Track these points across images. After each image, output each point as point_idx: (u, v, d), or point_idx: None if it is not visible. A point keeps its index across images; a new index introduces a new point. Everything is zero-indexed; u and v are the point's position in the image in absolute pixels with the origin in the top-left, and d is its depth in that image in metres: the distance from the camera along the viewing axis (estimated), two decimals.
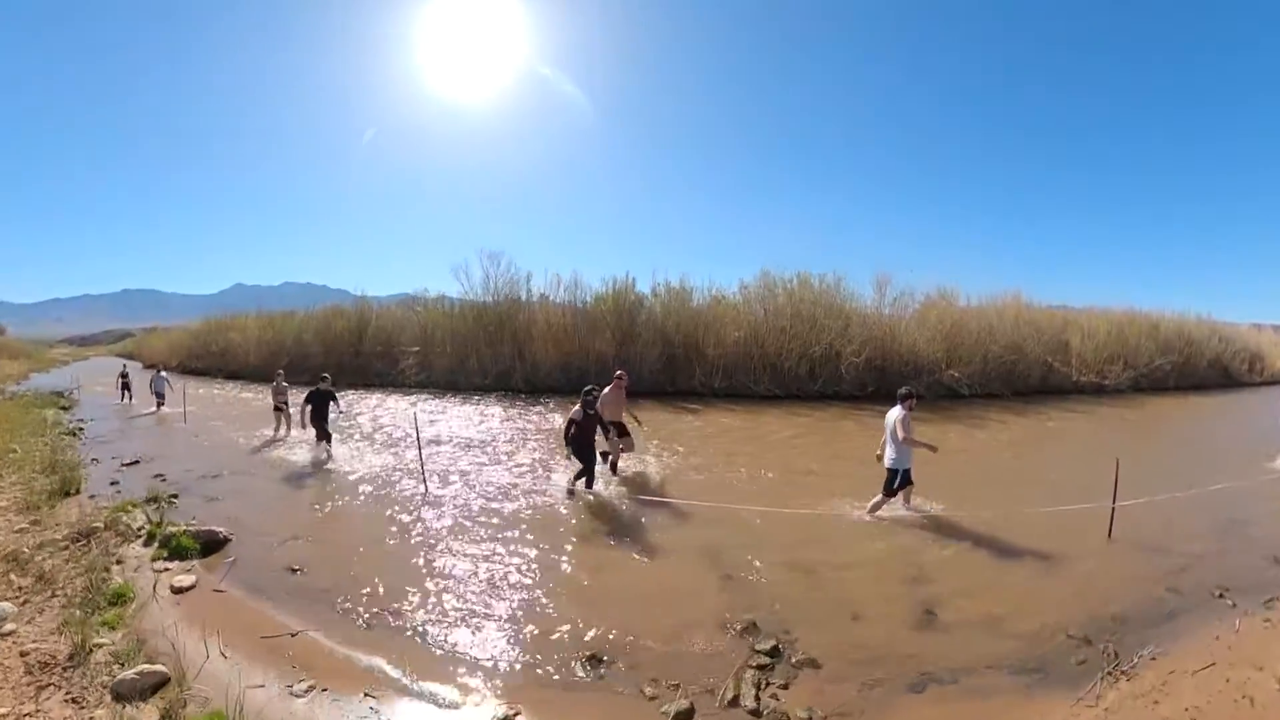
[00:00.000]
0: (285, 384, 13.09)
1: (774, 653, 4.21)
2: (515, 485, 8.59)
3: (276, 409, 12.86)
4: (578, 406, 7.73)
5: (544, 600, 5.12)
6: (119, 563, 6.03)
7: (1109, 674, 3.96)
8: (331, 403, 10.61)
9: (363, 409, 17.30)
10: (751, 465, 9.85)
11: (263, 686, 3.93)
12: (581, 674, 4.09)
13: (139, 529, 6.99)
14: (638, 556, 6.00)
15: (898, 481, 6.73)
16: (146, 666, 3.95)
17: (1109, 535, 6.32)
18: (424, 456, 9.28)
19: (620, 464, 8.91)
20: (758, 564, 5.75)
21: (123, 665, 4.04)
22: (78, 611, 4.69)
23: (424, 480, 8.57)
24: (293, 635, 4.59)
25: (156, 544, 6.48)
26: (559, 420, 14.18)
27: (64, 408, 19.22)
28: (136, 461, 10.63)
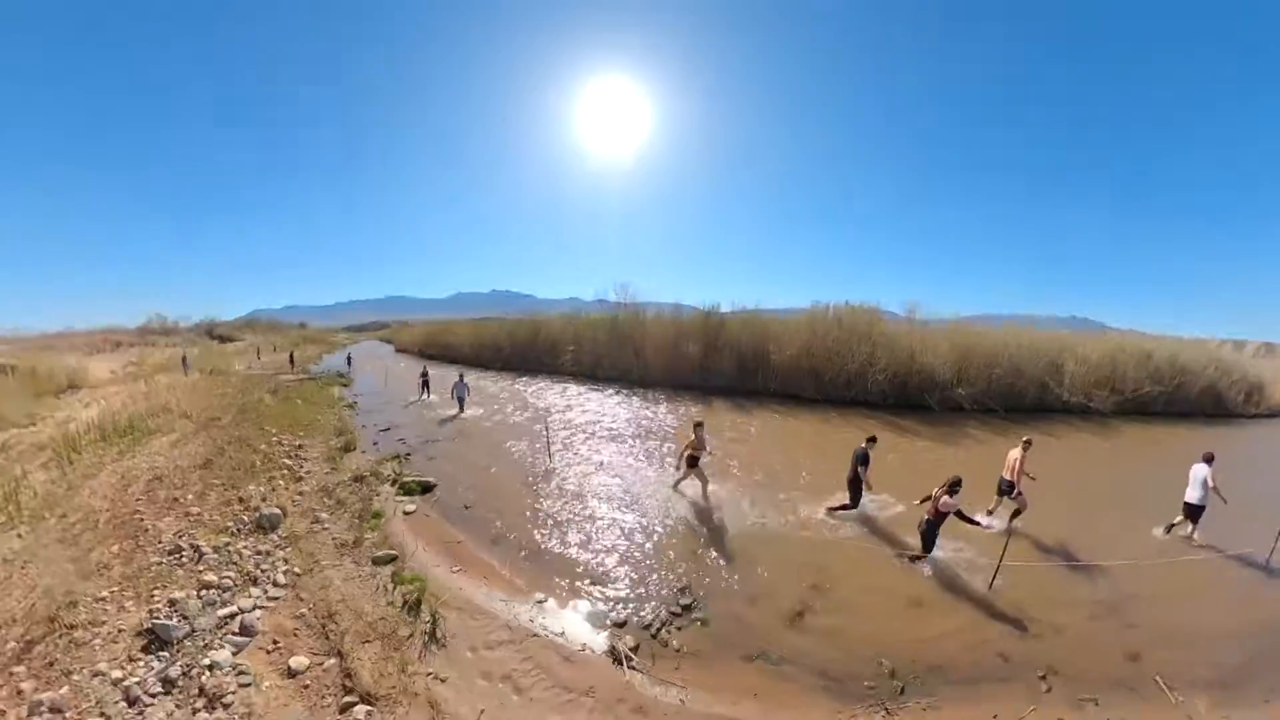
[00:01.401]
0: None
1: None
2: (627, 470, 11.29)
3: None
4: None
5: (633, 556, 7.69)
6: (377, 495, 9.48)
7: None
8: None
9: (526, 392, 23.16)
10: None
11: (439, 567, 6.93)
12: (678, 618, 6.42)
13: (387, 475, 10.60)
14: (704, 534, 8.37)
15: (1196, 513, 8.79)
16: (387, 551, 7.35)
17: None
18: (553, 435, 13.44)
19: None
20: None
21: (376, 548, 7.47)
22: (357, 520, 8.76)
23: (549, 454, 12.05)
24: (458, 543, 7.68)
25: (397, 487, 9.88)
26: (663, 410, 18.28)
27: (344, 384, 24.73)
28: (389, 429, 15.02)
